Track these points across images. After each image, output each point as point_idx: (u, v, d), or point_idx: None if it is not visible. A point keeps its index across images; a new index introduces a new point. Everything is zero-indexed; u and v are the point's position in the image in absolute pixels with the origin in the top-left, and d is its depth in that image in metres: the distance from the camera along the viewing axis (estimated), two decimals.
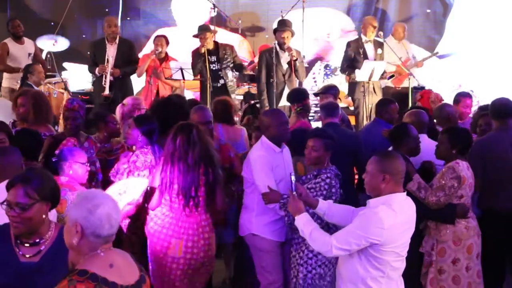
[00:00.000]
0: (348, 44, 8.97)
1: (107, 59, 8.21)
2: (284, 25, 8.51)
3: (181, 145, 4.49)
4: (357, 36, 9.50)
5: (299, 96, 6.46)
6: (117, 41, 8.43)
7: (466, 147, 4.66)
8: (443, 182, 4.49)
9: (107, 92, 8.17)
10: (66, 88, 8.88)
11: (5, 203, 2.94)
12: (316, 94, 7.21)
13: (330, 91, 6.78)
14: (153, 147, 4.93)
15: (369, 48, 8.87)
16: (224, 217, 5.03)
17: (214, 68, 8.42)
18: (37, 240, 3.00)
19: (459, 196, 4.53)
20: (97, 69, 8.29)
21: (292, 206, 3.69)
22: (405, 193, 3.52)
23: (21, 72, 8.30)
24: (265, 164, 4.55)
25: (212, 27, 9.10)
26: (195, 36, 8.59)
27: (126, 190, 4.41)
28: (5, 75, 8.76)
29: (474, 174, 4.69)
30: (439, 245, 4.58)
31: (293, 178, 3.78)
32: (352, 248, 3.41)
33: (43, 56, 9.08)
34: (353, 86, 8.87)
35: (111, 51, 8.35)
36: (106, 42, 8.43)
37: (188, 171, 4.45)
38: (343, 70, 9.03)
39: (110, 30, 8.41)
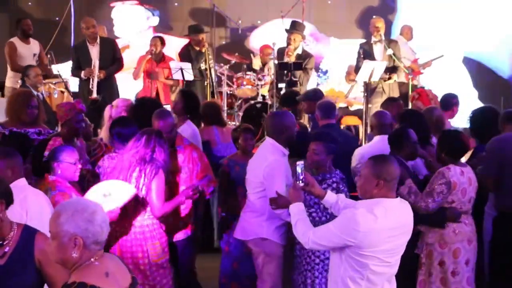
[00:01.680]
0: (360, 46, 8.99)
1: (93, 62, 8.15)
2: (293, 27, 8.53)
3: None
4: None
5: (289, 100, 6.49)
6: (98, 41, 8.37)
7: (455, 150, 4.60)
8: (432, 187, 4.46)
9: (95, 95, 8.08)
10: (66, 88, 8.88)
11: None
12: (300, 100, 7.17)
13: (306, 95, 6.71)
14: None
15: (377, 49, 8.86)
16: (183, 224, 5.00)
17: (203, 68, 8.58)
18: (0, 242, 2.96)
19: (449, 202, 4.50)
20: (83, 72, 8.20)
21: (293, 194, 3.70)
22: (398, 198, 3.43)
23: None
24: (281, 170, 4.48)
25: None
26: (191, 36, 8.68)
27: (111, 193, 4.33)
28: (8, 74, 8.74)
29: (489, 174, 4.67)
30: (428, 248, 4.58)
31: (300, 168, 3.75)
32: (328, 245, 3.42)
33: (35, 41, 9.03)
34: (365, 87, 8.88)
35: (94, 53, 8.29)
36: (88, 44, 8.37)
37: (121, 173, 4.47)
38: (356, 71, 9.04)
39: (89, 32, 8.33)
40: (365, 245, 3.29)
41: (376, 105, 8.33)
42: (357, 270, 3.35)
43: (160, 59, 8.73)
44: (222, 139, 5.92)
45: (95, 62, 8.17)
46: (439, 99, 6.90)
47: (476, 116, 5.56)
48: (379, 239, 3.30)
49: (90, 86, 8.13)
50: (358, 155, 5.30)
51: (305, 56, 8.56)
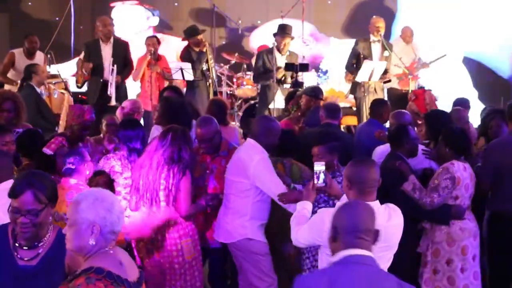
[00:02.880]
0: (356, 43, 8.94)
1: (112, 68, 8.09)
2: (283, 31, 8.54)
3: (152, 147, 4.53)
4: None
5: (292, 98, 6.53)
6: (111, 40, 8.39)
7: (461, 148, 4.62)
8: (437, 182, 4.49)
9: (113, 102, 7.98)
10: (66, 89, 8.87)
11: (10, 209, 2.91)
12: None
13: (305, 90, 6.85)
14: (128, 153, 4.90)
15: (376, 49, 8.84)
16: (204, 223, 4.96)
17: (204, 68, 8.57)
18: (36, 243, 2.97)
19: (454, 197, 4.52)
20: (77, 59, 8.21)
21: (305, 193, 3.77)
22: (374, 202, 3.37)
23: (16, 85, 8.20)
24: (270, 166, 4.49)
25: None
26: (189, 39, 8.67)
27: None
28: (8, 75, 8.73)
29: (485, 176, 4.72)
30: (434, 246, 4.59)
31: (319, 168, 3.75)
32: (305, 242, 3.56)
33: (40, 52, 9.02)
34: (354, 85, 8.87)
35: (107, 51, 8.29)
36: (100, 42, 8.37)
37: (149, 172, 4.45)
38: (348, 68, 9.02)
39: (106, 30, 8.34)
40: None
41: (367, 104, 8.34)
42: None
43: (156, 58, 8.69)
44: (225, 138, 5.89)
45: (110, 67, 8.10)
46: (437, 102, 6.91)
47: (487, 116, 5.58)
48: None
49: (109, 93, 8.05)
50: (376, 154, 5.32)
51: (293, 56, 8.60)
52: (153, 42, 8.64)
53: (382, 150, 5.27)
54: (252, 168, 4.46)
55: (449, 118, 5.41)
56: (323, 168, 3.78)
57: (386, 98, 8.41)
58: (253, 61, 10.33)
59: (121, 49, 8.44)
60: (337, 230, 2.61)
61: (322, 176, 3.78)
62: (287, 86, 8.51)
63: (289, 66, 8.30)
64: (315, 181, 3.76)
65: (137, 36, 11.05)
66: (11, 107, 5.50)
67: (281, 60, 8.51)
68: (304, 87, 8.03)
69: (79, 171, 4.41)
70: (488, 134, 5.39)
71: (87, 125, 5.24)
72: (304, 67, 8.28)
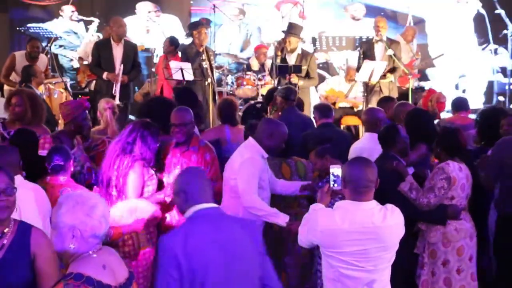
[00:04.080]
0: (360, 44, 8.97)
1: (120, 67, 8.14)
2: (288, 30, 8.54)
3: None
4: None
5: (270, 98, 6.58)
6: (122, 41, 8.42)
7: (452, 148, 4.59)
8: (433, 182, 4.48)
9: (117, 101, 7.94)
10: (66, 88, 8.89)
11: None
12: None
13: (279, 90, 6.82)
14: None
15: (378, 48, 8.85)
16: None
17: (205, 66, 8.53)
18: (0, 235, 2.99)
19: (449, 198, 4.50)
20: (106, 74, 8.20)
21: (320, 196, 3.76)
22: (370, 203, 3.36)
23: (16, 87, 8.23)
24: (256, 167, 4.44)
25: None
26: (192, 33, 8.63)
27: (136, 210, 4.41)
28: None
29: (490, 177, 4.72)
30: (430, 247, 4.58)
31: (338, 170, 3.72)
32: (305, 241, 3.52)
33: (43, 55, 9.03)
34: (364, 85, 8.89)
35: (118, 51, 8.32)
36: (112, 42, 8.39)
37: (107, 158, 4.52)
38: (357, 70, 9.03)
39: (121, 30, 8.38)
40: (326, 245, 3.35)
41: (372, 104, 8.32)
42: (329, 271, 3.39)
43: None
44: (232, 139, 5.85)
45: (120, 67, 8.15)
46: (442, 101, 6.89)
47: (484, 117, 5.55)
48: (338, 240, 3.30)
49: (113, 92, 8.08)
50: (355, 151, 5.34)
51: (305, 55, 8.57)
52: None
53: (357, 146, 5.30)
54: (239, 165, 4.45)
55: (429, 119, 5.37)
56: (340, 171, 3.72)
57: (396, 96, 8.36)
58: (252, 61, 10.37)
59: (131, 50, 8.49)
60: (186, 192, 3.09)
61: (333, 178, 3.72)
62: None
63: (283, 69, 8.29)
64: (331, 184, 3.71)
65: None
66: (18, 101, 5.56)
67: (291, 60, 8.51)
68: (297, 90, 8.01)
69: (66, 169, 4.41)
70: (500, 133, 5.27)
71: (86, 115, 5.27)
72: (297, 69, 8.26)
